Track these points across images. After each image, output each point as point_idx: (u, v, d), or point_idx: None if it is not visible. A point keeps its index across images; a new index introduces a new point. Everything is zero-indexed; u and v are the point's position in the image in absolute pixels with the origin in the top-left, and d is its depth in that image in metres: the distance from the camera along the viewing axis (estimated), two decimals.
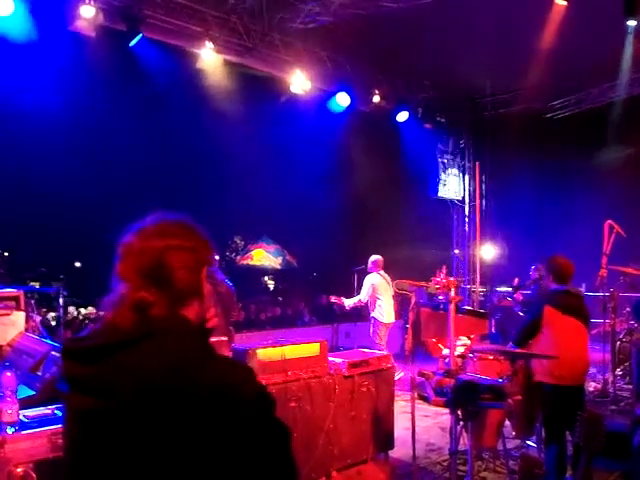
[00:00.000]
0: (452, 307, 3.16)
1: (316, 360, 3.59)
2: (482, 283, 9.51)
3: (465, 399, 2.44)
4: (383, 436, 3.91)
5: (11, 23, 5.07)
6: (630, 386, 5.58)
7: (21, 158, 12.72)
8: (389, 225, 12.43)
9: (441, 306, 3.99)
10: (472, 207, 9.89)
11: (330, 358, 3.77)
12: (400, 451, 4.06)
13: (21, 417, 1.91)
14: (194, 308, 1.01)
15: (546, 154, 9.41)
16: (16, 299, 3.14)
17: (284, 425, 0.96)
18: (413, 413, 3.58)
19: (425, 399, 5.53)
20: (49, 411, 2.02)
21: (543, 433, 3.51)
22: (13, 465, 1.77)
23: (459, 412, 2.63)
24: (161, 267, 0.98)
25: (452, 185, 10.16)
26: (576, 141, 9.09)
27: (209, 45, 6.29)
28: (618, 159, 8.76)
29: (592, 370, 4.96)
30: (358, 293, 6.73)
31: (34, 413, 2.01)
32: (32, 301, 4.60)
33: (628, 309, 6.23)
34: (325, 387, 3.58)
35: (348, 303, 6.69)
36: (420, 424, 4.52)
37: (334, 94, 7.88)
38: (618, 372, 5.80)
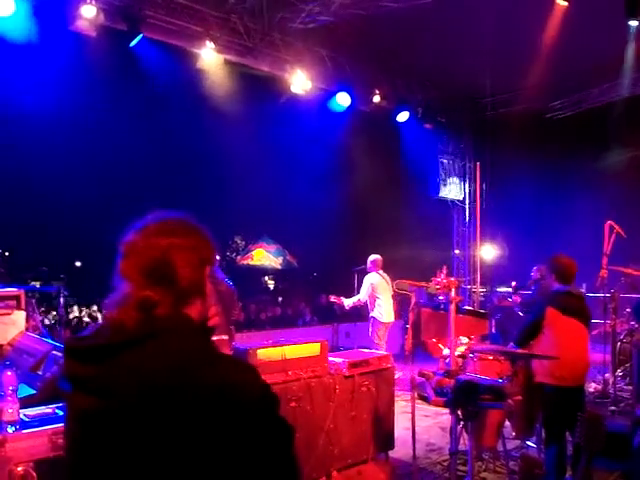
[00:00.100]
0: (452, 307, 3.16)
1: (316, 360, 3.59)
2: (482, 283, 9.52)
3: (465, 399, 2.44)
4: (383, 436, 3.92)
5: (12, 23, 5.07)
6: (630, 387, 5.57)
7: (21, 158, 12.74)
8: (389, 225, 12.43)
9: (441, 306, 3.99)
10: (472, 207, 9.89)
11: (330, 358, 3.77)
12: (400, 451, 4.07)
13: (22, 416, 1.91)
14: (197, 307, 1.01)
15: (546, 154, 9.41)
16: (17, 298, 3.15)
17: (288, 424, 0.95)
18: (413, 413, 3.58)
19: (425, 399, 5.53)
20: (50, 410, 2.02)
21: (543, 433, 3.51)
22: (14, 464, 1.77)
23: (459, 412, 2.63)
24: (165, 265, 0.97)
25: (452, 185, 10.16)
26: (576, 141, 9.09)
27: (209, 45, 6.29)
28: (620, 162, 8.76)
29: (592, 371, 4.95)
30: (358, 293, 6.74)
31: (35, 412, 2.01)
32: (33, 300, 4.60)
33: (628, 310, 6.23)
34: (325, 387, 3.58)
35: (347, 303, 6.69)
36: (420, 424, 4.53)
37: (334, 94, 7.88)
38: (618, 373, 5.79)
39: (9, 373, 1.89)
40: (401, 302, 8.16)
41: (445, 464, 3.93)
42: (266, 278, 19.67)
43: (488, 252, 10.06)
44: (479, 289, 9.23)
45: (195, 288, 1.01)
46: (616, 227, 5.35)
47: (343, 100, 7.86)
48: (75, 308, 9.40)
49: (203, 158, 13.89)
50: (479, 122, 10.03)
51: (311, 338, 3.86)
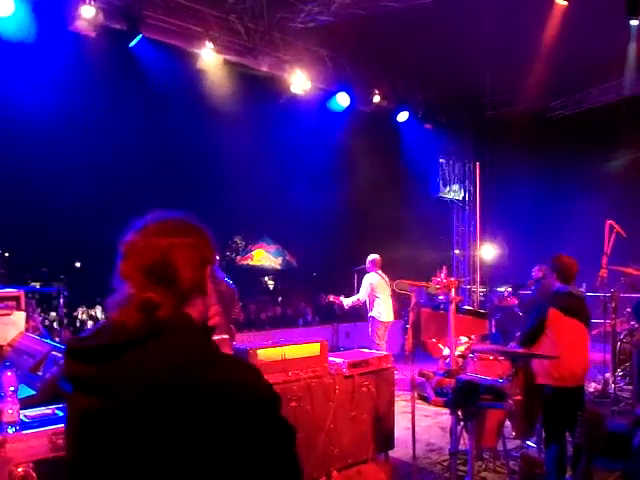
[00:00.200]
0: (452, 307, 3.16)
1: (316, 360, 3.59)
2: (482, 283, 9.52)
3: (465, 399, 2.44)
4: (383, 436, 3.91)
5: (11, 23, 5.07)
6: (630, 387, 5.57)
7: (21, 159, 12.73)
8: (389, 225, 12.43)
9: (441, 306, 3.99)
10: (472, 207, 9.88)
11: (330, 358, 3.77)
12: (400, 451, 4.06)
13: (22, 417, 1.91)
14: (198, 306, 1.01)
15: (546, 154, 9.41)
16: (17, 299, 3.15)
17: (290, 424, 0.95)
18: (413, 413, 3.58)
19: (425, 399, 5.52)
20: (50, 411, 2.02)
21: (543, 433, 3.51)
22: (14, 465, 1.77)
23: (459, 412, 2.62)
24: (166, 266, 0.97)
25: (452, 185, 10.16)
26: (576, 141, 9.09)
27: (209, 45, 6.29)
28: (622, 163, 8.77)
29: (592, 370, 4.95)
30: (358, 293, 6.74)
31: (35, 413, 2.01)
32: (33, 301, 4.60)
33: (629, 309, 6.23)
34: (325, 387, 3.58)
35: (347, 302, 6.70)
36: (420, 424, 4.53)
37: (334, 94, 7.88)
38: (618, 373, 5.79)
39: (9, 374, 1.89)
40: (401, 302, 8.16)
41: (445, 464, 3.93)
42: (266, 278, 19.67)
43: (488, 252, 10.06)
44: (479, 289, 9.23)
45: (196, 288, 1.01)
46: (616, 227, 5.35)
47: (343, 100, 7.86)
48: (81, 309, 9.40)
49: (203, 158, 13.88)
50: (479, 122, 10.03)
51: (311, 338, 3.86)
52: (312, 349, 3.60)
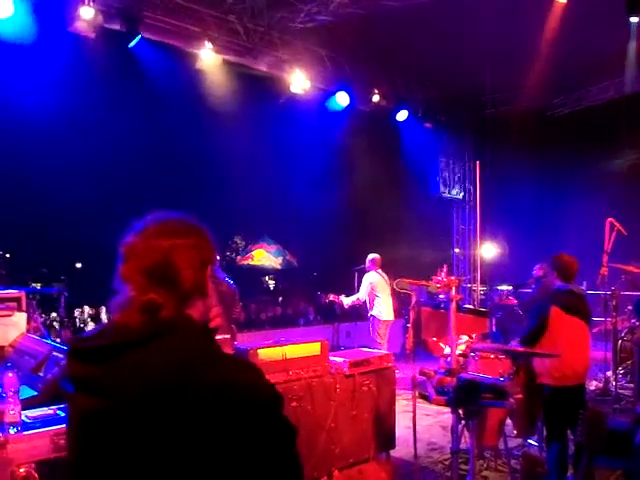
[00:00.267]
0: (453, 306, 3.16)
1: (317, 359, 3.58)
2: (482, 282, 9.51)
3: (466, 398, 2.44)
4: (384, 435, 3.91)
5: (11, 25, 5.07)
6: (632, 385, 5.57)
7: (21, 159, 12.74)
8: (389, 225, 12.43)
9: (442, 305, 3.99)
10: (472, 206, 9.88)
11: (331, 357, 3.77)
12: (401, 450, 4.06)
13: (23, 418, 1.91)
14: (199, 307, 1.01)
15: (547, 153, 9.40)
16: (18, 300, 3.15)
17: (291, 424, 0.95)
18: (414, 412, 3.58)
19: (426, 398, 5.53)
20: (51, 411, 2.02)
21: (544, 432, 3.51)
22: (16, 465, 1.77)
23: (460, 411, 2.62)
24: (167, 267, 0.97)
25: (452, 184, 10.15)
26: (577, 139, 9.09)
27: (208, 45, 6.29)
28: (623, 162, 8.76)
29: (593, 369, 4.95)
30: (358, 292, 6.74)
31: (36, 414, 2.01)
32: (33, 302, 4.61)
33: (630, 307, 6.22)
34: (326, 386, 3.58)
35: (346, 302, 6.71)
36: (421, 423, 4.52)
37: (334, 93, 7.88)
38: (620, 371, 5.79)
39: (10, 375, 1.89)
40: (402, 301, 8.16)
41: (446, 463, 3.93)
42: (266, 278, 19.68)
43: (488, 251, 10.05)
44: (479, 288, 9.23)
45: (197, 289, 1.01)
46: (617, 225, 5.35)
47: (342, 100, 7.86)
48: (77, 310, 9.39)
49: (203, 158, 13.89)
50: (479, 121, 10.02)
51: (312, 338, 3.86)
52: (313, 349, 3.60)
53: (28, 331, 3.10)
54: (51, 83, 8.63)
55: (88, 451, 0.95)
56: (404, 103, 8.70)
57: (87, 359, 0.95)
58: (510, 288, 6.76)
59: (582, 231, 7.34)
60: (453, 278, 3.24)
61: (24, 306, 3.15)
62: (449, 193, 10.12)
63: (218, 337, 1.09)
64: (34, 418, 1.97)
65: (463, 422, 2.71)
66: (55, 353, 2.47)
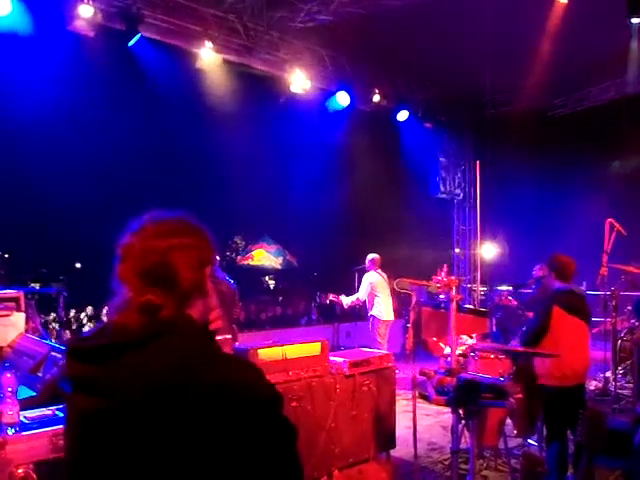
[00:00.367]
0: (453, 306, 3.16)
1: (317, 360, 3.58)
2: (483, 282, 9.51)
3: (466, 398, 2.43)
4: (384, 435, 3.91)
5: (9, 23, 5.05)
6: (631, 385, 5.57)
7: (21, 159, 12.73)
8: (389, 225, 12.43)
9: (442, 305, 3.99)
10: (472, 206, 9.88)
11: (331, 357, 3.76)
12: (402, 450, 4.06)
13: (22, 418, 1.91)
14: (198, 307, 1.00)
15: (547, 153, 9.40)
16: (16, 300, 3.14)
17: (291, 424, 0.95)
18: (414, 412, 3.57)
19: (426, 398, 5.53)
20: (50, 412, 2.02)
21: (544, 431, 3.51)
22: (14, 466, 1.76)
23: (460, 411, 2.62)
24: (165, 268, 0.96)
25: (453, 184, 10.15)
26: (577, 140, 9.08)
27: (208, 45, 6.28)
28: (624, 163, 8.76)
29: (593, 369, 4.95)
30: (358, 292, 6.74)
31: (35, 414, 2.00)
32: (32, 302, 4.60)
33: (629, 308, 6.22)
34: (326, 386, 3.57)
35: (346, 301, 6.71)
36: (421, 423, 4.51)
37: (334, 93, 7.87)
38: (619, 371, 5.79)
39: (9, 375, 1.89)
40: (402, 301, 8.16)
41: (446, 463, 3.92)
42: (266, 278, 19.68)
43: (488, 251, 10.05)
44: (479, 288, 9.23)
45: (196, 289, 1.00)
46: (616, 225, 5.35)
47: (343, 99, 7.85)
48: (73, 310, 9.38)
49: (203, 158, 13.88)
50: (479, 121, 10.02)
51: (312, 338, 3.85)
52: (313, 349, 3.59)
53: (27, 331, 3.10)
54: (50, 82, 8.61)
55: (87, 451, 0.94)
56: (404, 103, 8.69)
57: (86, 359, 0.95)
58: (510, 288, 6.75)
59: (582, 231, 7.34)
60: (453, 278, 3.23)
61: (23, 306, 3.14)
62: (449, 193, 10.12)
63: (219, 337, 1.09)
64: (32, 419, 1.96)
65: (463, 422, 2.71)
66: (54, 353, 2.46)
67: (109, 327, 0.97)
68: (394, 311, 6.82)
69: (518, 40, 6.91)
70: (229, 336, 4.28)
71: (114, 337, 0.94)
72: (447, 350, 4.67)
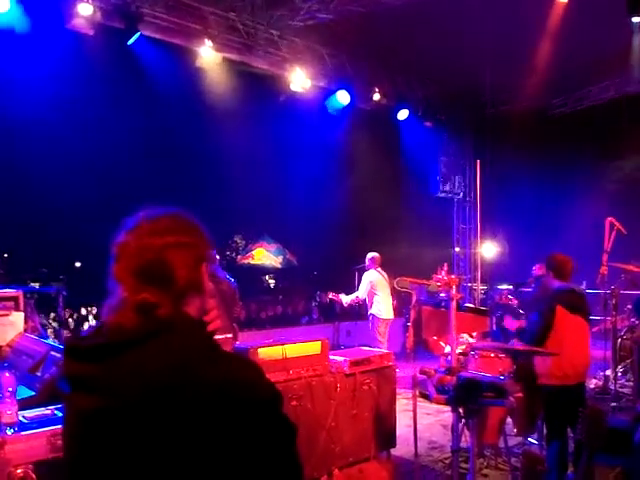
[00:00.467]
0: (453, 305, 3.15)
1: (317, 358, 3.58)
2: (483, 281, 9.52)
3: (467, 397, 2.43)
4: (385, 434, 3.91)
5: (6, 21, 5.04)
6: (631, 383, 5.58)
7: (20, 159, 12.71)
8: (390, 223, 12.42)
9: (442, 304, 3.99)
10: (473, 205, 9.87)
11: (331, 356, 3.76)
12: (402, 449, 4.06)
13: (20, 418, 1.90)
14: (195, 304, 1.00)
15: (547, 152, 9.40)
16: (15, 299, 3.13)
17: (291, 422, 0.94)
18: (415, 411, 3.57)
19: (426, 397, 5.53)
20: (49, 412, 2.01)
21: (544, 430, 3.51)
22: (13, 466, 1.76)
23: (461, 410, 2.62)
24: (161, 266, 0.95)
25: (453, 183, 10.14)
26: (577, 139, 9.08)
27: (208, 43, 6.27)
28: (624, 163, 8.77)
29: (593, 367, 4.95)
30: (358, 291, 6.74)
31: (33, 414, 1.99)
32: (32, 301, 4.59)
33: (629, 306, 6.23)
34: (326, 385, 3.57)
35: (346, 300, 6.72)
36: (422, 422, 4.52)
37: (334, 92, 7.86)
38: (619, 369, 5.80)
39: (7, 374, 1.88)
40: (402, 300, 8.15)
41: (447, 461, 3.92)
42: (267, 277, 19.68)
43: (488, 250, 10.05)
44: (480, 286, 9.23)
45: (192, 286, 0.99)
46: (616, 224, 5.35)
47: (343, 98, 7.84)
48: (68, 311, 9.37)
49: (203, 157, 13.86)
50: (479, 120, 10.01)
51: (312, 336, 3.85)
52: (313, 347, 3.59)
53: (26, 331, 3.09)
54: (50, 81, 8.60)
55: (85, 451, 0.94)
56: (404, 101, 8.68)
57: (84, 358, 0.94)
58: (510, 287, 6.75)
59: (582, 230, 7.34)
60: (453, 277, 3.23)
61: (22, 305, 3.13)
62: (449, 192, 10.12)
63: (220, 336, 1.08)
64: (31, 418, 1.96)
65: (463, 421, 2.70)
66: (53, 353, 2.45)
67: (106, 326, 0.96)
68: (394, 310, 6.83)
69: (518, 39, 6.90)
70: (230, 335, 4.28)
71: (111, 336, 0.93)
72: (447, 349, 4.67)
